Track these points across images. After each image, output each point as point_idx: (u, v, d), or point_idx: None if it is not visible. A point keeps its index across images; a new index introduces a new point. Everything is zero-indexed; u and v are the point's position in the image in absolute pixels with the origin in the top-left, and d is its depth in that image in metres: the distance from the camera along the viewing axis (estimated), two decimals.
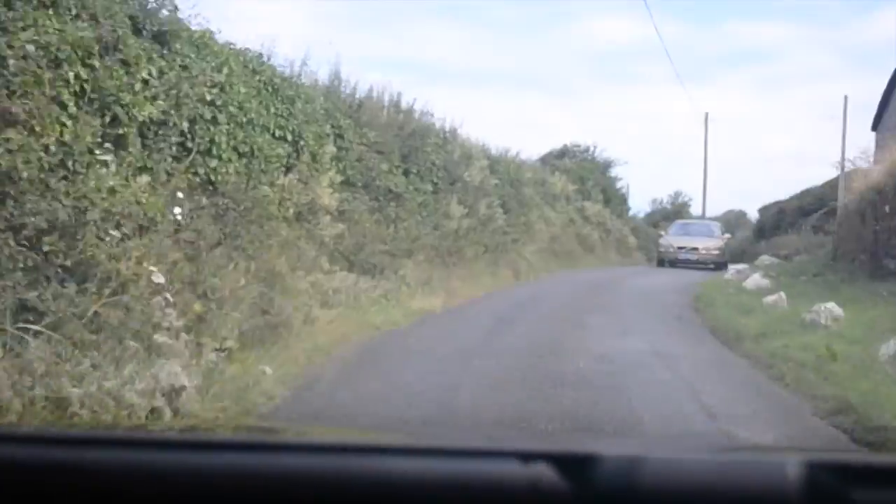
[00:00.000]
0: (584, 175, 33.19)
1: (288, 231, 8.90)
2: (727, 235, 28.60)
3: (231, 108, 7.56)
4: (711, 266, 23.84)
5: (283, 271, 8.14)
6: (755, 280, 14.46)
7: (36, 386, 3.62)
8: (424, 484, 1.29)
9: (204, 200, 7.40)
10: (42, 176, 4.86)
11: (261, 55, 9.16)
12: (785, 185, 79.00)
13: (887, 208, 14.37)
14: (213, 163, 7.32)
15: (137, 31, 6.76)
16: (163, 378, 4.24)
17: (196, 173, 7.15)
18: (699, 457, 1.53)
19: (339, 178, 10.89)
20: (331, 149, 10.63)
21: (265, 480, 1.26)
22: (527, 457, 1.31)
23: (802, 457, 1.37)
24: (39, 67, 5.19)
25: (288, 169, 9.33)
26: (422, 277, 13.10)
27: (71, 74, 5.57)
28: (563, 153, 35.53)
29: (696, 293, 15.77)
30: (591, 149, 36.87)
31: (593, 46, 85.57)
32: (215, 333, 6.29)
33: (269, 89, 8.91)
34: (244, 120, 8.00)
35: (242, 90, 8.00)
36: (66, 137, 5.32)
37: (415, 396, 6.09)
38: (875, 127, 28.95)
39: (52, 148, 5.18)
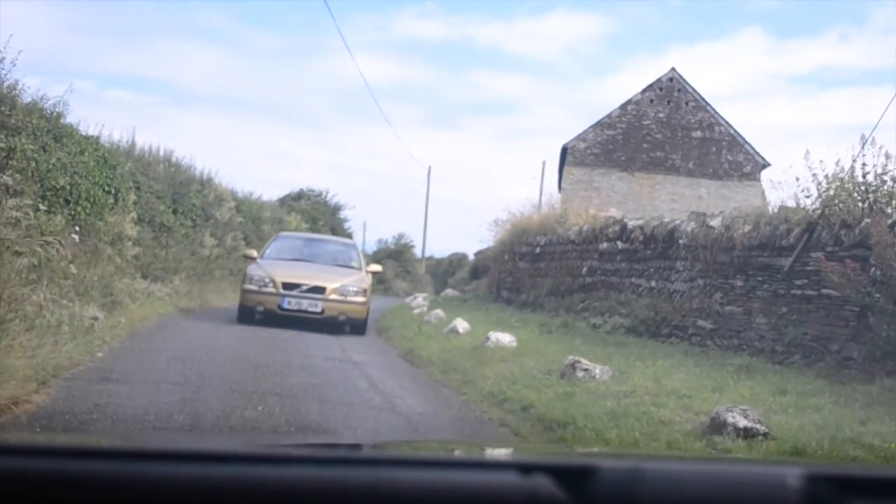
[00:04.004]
0: (316, 216, 39.13)
1: (111, 251, 14.27)
2: (375, 267, 17.23)
3: (87, 175, 12.95)
4: (345, 325, 14.51)
5: (115, 274, 13.57)
6: (419, 302, 21.20)
7: None
8: (424, 495, 1.30)
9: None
10: None
11: (98, 138, 14.54)
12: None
13: (506, 256, 21.73)
14: (79, 208, 12.69)
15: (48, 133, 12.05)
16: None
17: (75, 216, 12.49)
18: (698, 468, 1.60)
19: (135, 217, 16.29)
20: (132, 196, 16.03)
21: (269, 492, 1.26)
22: (526, 469, 1.34)
23: (802, 468, 1.39)
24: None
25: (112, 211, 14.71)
26: (186, 289, 18.59)
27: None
28: (299, 196, 41.48)
29: (385, 310, 22.20)
30: (325, 193, 43.13)
31: (345, 83, 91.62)
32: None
33: (103, 160, 14.29)
34: (93, 182, 13.37)
35: (92, 164, 13.38)
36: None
37: (191, 341, 11.79)
38: (560, 188, 37.25)
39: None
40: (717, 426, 6.38)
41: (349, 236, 44.55)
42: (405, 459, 1.61)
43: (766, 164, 32.51)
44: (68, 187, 12.14)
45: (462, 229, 79.51)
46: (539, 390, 8.26)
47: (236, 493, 1.26)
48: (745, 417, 6.38)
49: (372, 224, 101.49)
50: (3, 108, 9.95)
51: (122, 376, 8.28)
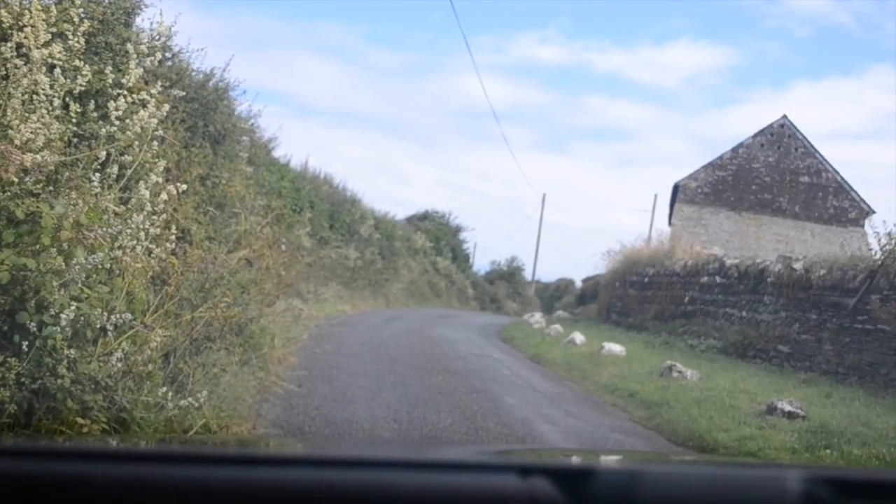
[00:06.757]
0: (439, 236, 42.23)
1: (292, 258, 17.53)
2: None
3: (281, 196, 16.25)
4: None
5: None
6: (536, 319, 23.98)
7: None
8: (424, 497, 1.31)
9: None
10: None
11: (287, 164, 17.94)
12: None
13: (617, 283, 24.31)
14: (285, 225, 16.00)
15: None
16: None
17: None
18: (697, 470, 1.62)
19: (309, 230, 19.62)
20: (308, 214, 19.38)
21: (267, 495, 1.26)
22: (526, 471, 1.34)
23: (801, 471, 1.40)
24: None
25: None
26: (339, 293, 21.88)
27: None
28: (425, 216, 44.71)
29: (505, 325, 25.12)
30: (447, 215, 46.25)
31: (460, 103, 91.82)
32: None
33: (293, 183, 17.62)
34: (286, 201, 16.67)
35: (285, 184, 16.70)
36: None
37: (360, 333, 14.87)
38: (670, 223, 39.39)
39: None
40: (771, 410, 9.00)
41: (467, 256, 48.05)
42: (404, 461, 1.60)
43: (870, 212, 34.02)
44: (272, 206, 15.45)
45: (567, 253, 79.72)
46: (642, 383, 10.95)
47: (234, 496, 1.26)
48: (791, 405, 8.99)
49: (481, 245, 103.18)
50: (255, 149, 13.23)
51: (331, 344, 11.45)
